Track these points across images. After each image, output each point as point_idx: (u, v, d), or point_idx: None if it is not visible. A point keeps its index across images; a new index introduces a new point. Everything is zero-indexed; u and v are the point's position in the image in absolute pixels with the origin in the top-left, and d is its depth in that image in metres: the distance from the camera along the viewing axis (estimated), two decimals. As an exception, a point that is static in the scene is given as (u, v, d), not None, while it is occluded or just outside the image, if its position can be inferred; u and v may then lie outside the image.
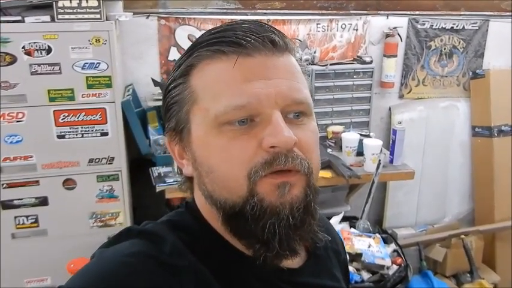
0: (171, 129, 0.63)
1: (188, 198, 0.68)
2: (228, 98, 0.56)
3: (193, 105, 0.59)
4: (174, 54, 2.45)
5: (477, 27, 2.90)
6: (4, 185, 1.97)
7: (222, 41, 0.57)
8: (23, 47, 1.84)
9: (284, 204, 0.55)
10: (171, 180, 2.02)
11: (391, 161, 2.39)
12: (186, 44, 2.45)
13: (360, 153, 2.33)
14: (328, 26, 2.65)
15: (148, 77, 2.34)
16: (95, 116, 1.98)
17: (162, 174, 2.07)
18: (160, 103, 2.17)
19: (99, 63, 1.92)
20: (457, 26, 2.87)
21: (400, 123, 2.42)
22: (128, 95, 2.18)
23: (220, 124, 0.56)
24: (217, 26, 0.61)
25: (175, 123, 0.62)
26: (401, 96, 2.92)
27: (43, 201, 2.03)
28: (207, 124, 0.57)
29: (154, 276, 0.53)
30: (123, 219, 2.14)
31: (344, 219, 2.19)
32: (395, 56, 2.74)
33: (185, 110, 0.60)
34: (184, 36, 2.45)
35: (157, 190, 1.99)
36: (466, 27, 2.88)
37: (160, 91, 2.31)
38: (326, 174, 2.22)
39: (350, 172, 2.17)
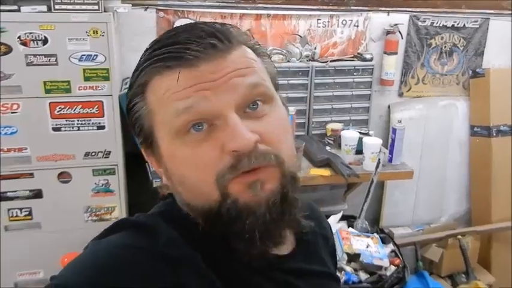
0: (141, 142, 0.64)
1: None
2: (176, 103, 0.56)
3: (152, 120, 0.60)
4: (173, 48, 2.42)
5: (478, 26, 2.88)
6: (-3, 177, 1.95)
7: (165, 58, 0.57)
8: (19, 37, 1.80)
9: (259, 202, 0.55)
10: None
11: (390, 160, 2.37)
12: (185, 37, 2.42)
13: (359, 151, 2.32)
14: (328, 22, 2.62)
15: (146, 70, 2.31)
16: (91, 109, 1.95)
17: (159, 169, 2.05)
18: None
19: (96, 55, 1.89)
20: (457, 24, 2.85)
21: (400, 121, 2.41)
22: (125, 88, 2.14)
23: (178, 133, 0.56)
24: (159, 37, 0.61)
25: (143, 138, 0.63)
26: (400, 95, 2.90)
27: (37, 194, 2.00)
28: (169, 135, 0.58)
29: (147, 267, 0.53)
30: (119, 214, 2.11)
31: (342, 218, 2.17)
32: (396, 53, 2.71)
33: (147, 126, 0.61)
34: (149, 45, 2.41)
35: (153, 185, 1.97)
36: (466, 25, 2.86)
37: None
38: (325, 172, 2.20)
39: (349, 171, 2.15)
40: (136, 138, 0.65)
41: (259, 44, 0.64)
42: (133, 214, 2.24)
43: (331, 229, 0.85)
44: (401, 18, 2.72)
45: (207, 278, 0.56)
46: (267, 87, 0.59)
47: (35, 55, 1.83)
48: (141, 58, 0.62)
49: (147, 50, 0.61)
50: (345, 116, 2.65)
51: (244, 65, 0.58)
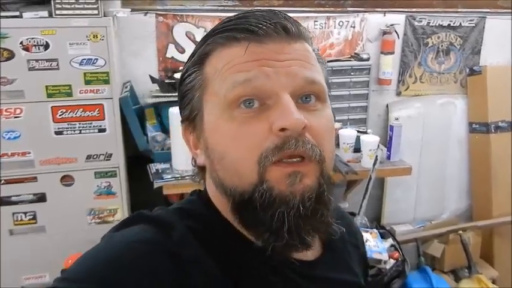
0: (185, 118, 0.63)
1: (187, 194, 0.68)
2: (237, 74, 0.55)
3: (205, 91, 0.59)
4: (172, 52, 2.46)
5: (474, 24, 2.91)
6: (2, 181, 1.97)
7: (234, 28, 0.57)
8: (21, 43, 1.84)
9: (294, 193, 0.54)
10: (169, 177, 2.02)
11: (389, 157, 2.40)
12: (183, 41, 2.46)
13: (357, 149, 2.34)
14: (325, 23, 2.66)
15: (146, 74, 2.35)
16: (92, 112, 1.98)
17: (160, 171, 2.07)
18: (157, 100, 2.17)
19: (96, 59, 1.92)
20: (454, 23, 2.88)
21: (397, 119, 2.43)
22: (125, 92, 2.18)
23: (230, 105, 0.55)
24: (232, 16, 0.61)
25: (189, 111, 0.62)
26: (398, 93, 2.92)
27: (41, 198, 2.03)
28: (218, 108, 0.57)
29: (159, 263, 0.53)
30: (121, 216, 2.13)
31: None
32: (393, 53, 2.74)
33: (198, 97, 0.60)
34: (182, 33, 2.45)
35: (155, 186, 1.99)
36: (463, 24, 2.89)
37: (158, 88, 2.31)
38: (324, 170, 2.22)
39: (347, 168, 2.18)
40: (182, 111, 0.64)
41: (319, 50, 0.65)
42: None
43: (362, 237, 0.82)
44: (397, 19, 2.76)
45: (216, 279, 0.55)
46: (323, 86, 0.59)
47: (36, 60, 1.87)
48: (208, 32, 0.61)
49: (216, 25, 0.61)
50: (344, 115, 2.68)
51: (307, 59, 0.58)
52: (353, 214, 2.23)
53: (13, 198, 2.01)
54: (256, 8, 0.62)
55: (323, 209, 0.56)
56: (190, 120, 0.62)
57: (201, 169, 0.66)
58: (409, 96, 2.94)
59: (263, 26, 0.56)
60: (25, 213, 2.04)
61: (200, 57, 0.60)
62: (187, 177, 2.01)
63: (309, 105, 0.57)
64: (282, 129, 0.53)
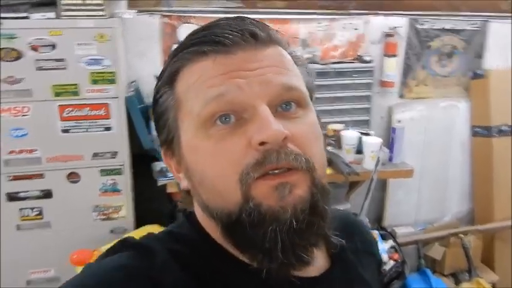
0: (163, 141, 0.60)
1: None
2: (208, 90, 0.52)
3: (178, 111, 0.56)
4: (177, 52, 2.49)
5: (477, 28, 2.92)
6: (10, 178, 2.02)
7: (201, 41, 0.54)
8: (29, 43, 1.89)
9: (285, 207, 0.50)
10: (172, 175, 2.05)
11: (391, 159, 2.42)
12: (189, 42, 2.49)
13: (359, 151, 2.36)
14: (329, 25, 2.68)
15: (152, 75, 2.38)
16: (99, 111, 2.02)
17: (164, 169, 2.11)
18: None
19: (103, 59, 1.96)
20: (457, 27, 2.89)
21: (400, 121, 2.45)
22: (131, 91, 2.22)
23: (205, 123, 0.53)
24: (198, 27, 0.58)
25: (166, 134, 0.59)
26: (401, 96, 2.94)
27: (47, 194, 2.08)
28: (193, 127, 0.54)
29: None
30: (126, 213, 2.18)
31: (343, 215, 2.21)
32: (396, 55, 2.76)
33: (172, 118, 0.57)
34: (186, 34, 2.48)
35: (158, 184, 2.03)
36: (466, 28, 2.91)
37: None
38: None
39: (349, 169, 2.20)
40: (159, 134, 0.61)
41: (296, 53, 0.61)
42: (140, 213, 2.32)
43: (376, 243, 0.78)
44: (400, 21, 2.77)
45: None
46: (303, 92, 0.56)
47: (44, 60, 1.92)
48: (176, 48, 0.59)
49: (183, 40, 0.58)
50: (346, 117, 2.70)
51: (282, 65, 0.55)
52: (355, 215, 2.25)
53: (20, 194, 2.05)
54: (223, 17, 0.58)
55: (319, 220, 0.52)
56: (168, 143, 0.59)
57: (188, 193, 0.62)
58: (412, 99, 2.95)
59: (229, 35, 0.53)
60: (32, 209, 2.08)
61: (170, 76, 0.57)
62: (190, 176, 2.05)
63: (290, 113, 0.54)
64: (262, 143, 0.50)
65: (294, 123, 0.53)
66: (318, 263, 0.59)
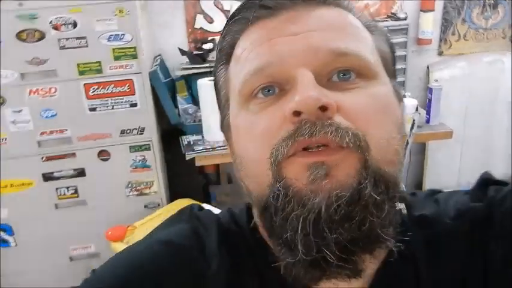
0: (220, 124, 0.55)
1: None
2: (247, 65, 0.46)
3: (229, 90, 0.51)
4: (200, 22, 2.43)
5: (524, -27, 2.68)
6: (43, 159, 2.06)
7: (244, 8, 0.49)
8: (50, 22, 1.88)
9: (316, 191, 0.40)
10: (200, 148, 2.03)
11: (428, 121, 2.29)
12: (211, 11, 2.42)
13: (394, 114, 2.25)
14: (359, -18, 2.53)
15: (176, 47, 2.34)
16: (123, 87, 2.01)
17: (192, 143, 2.09)
18: (187, 72, 2.16)
19: (123, 34, 1.94)
20: (501, -27, 2.67)
21: (437, 80, 2.31)
22: (155, 65, 2.19)
23: (246, 99, 0.47)
24: None
25: (221, 116, 0.54)
26: (440, 53, 2.77)
27: (81, 173, 2.11)
28: (236, 105, 0.48)
29: (180, 270, 0.49)
30: (157, 188, 2.19)
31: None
32: (433, 10, 2.58)
33: (224, 98, 0.52)
34: (210, 3, 2.42)
35: (186, 158, 2.01)
36: (511, -26, 2.68)
37: (187, 60, 2.31)
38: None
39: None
40: (220, 116, 0.55)
41: (373, 21, 0.52)
42: (173, 187, 2.33)
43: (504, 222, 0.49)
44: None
45: None
46: (365, 59, 0.46)
47: (66, 38, 1.91)
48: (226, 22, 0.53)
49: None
50: (380, 79, 2.57)
51: (338, 28, 0.47)
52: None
53: (55, 174, 2.10)
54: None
55: (364, 213, 0.40)
56: (225, 126, 0.53)
57: None
58: (452, 56, 2.78)
59: None
60: (67, 187, 2.13)
61: (221, 53, 0.52)
62: (218, 148, 2.02)
63: (347, 83, 0.45)
64: (296, 113, 0.42)
65: (350, 94, 0.44)
66: (368, 275, 0.46)
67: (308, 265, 0.41)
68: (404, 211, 0.51)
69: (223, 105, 0.52)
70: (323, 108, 0.41)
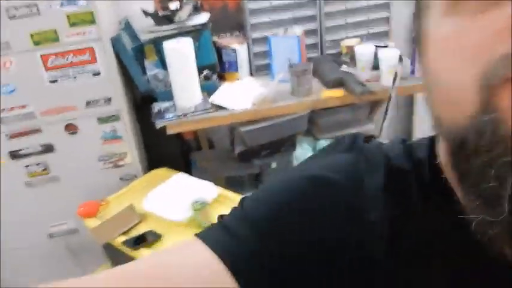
0: (415, 34, 0.41)
1: None
2: None
3: (427, 6, 0.37)
4: (166, -20, 2.27)
5: None
6: (8, 136, 1.97)
7: None
8: (-5, -10, 1.74)
9: None
10: (171, 116, 1.93)
11: (413, 72, 2.16)
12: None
13: (376, 67, 2.12)
14: None
15: (142, 10, 2.19)
16: (83, 55, 1.89)
17: (162, 110, 1.98)
18: (154, 35, 2.00)
19: (77, -2, 1.80)
20: None
21: (421, 28, 2.16)
22: (120, 30, 2.06)
23: (449, 3, 0.33)
24: None
25: (416, 24, 0.40)
26: (426, -2, 2.60)
27: (49, 148, 2.02)
28: (440, 7, 0.35)
29: (332, 215, 0.42)
30: (131, 159, 2.11)
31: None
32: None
33: (420, 17, 0.39)
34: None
35: (157, 127, 1.91)
36: None
37: (154, 23, 2.16)
38: (338, 93, 2.05)
39: (362, 88, 1.98)
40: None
41: None
42: (152, 157, 2.23)
43: None
44: None
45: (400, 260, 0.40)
46: None
47: (15, 7, 1.77)
48: None
49: None
50: (362, 30, 2.42)
51: None
52: (373, 137, 2.07)
53: (22, 152, 2.01)
54: None
55: None
56: (419, 38, 0.40)
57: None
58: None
59: None
60: (37, 164, 2.04)
61: None
62: (190, 115, 1.92)
63: None
64: None
65: None
66: None
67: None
68: None
69: (420, 9, 0.38)
70: None
